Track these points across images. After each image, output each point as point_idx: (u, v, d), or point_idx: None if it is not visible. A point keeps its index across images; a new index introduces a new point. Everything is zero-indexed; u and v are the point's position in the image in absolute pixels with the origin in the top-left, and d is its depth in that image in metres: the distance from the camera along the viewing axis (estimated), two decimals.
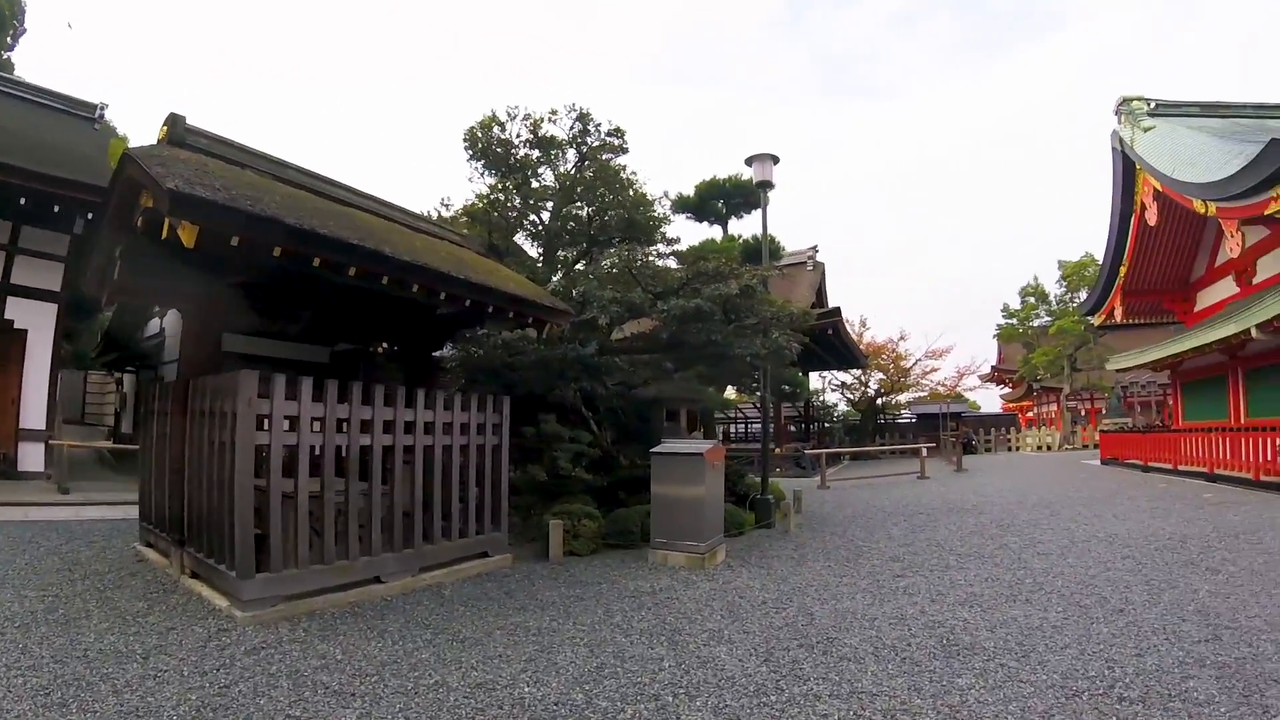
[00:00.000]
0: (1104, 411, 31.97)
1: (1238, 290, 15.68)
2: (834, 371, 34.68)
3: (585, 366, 9.86)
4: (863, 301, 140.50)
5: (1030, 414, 43.98)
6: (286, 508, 5.76)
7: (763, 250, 13.22)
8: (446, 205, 13.81)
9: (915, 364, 35.56)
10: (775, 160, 12.05)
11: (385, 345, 9.86)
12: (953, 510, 12.15)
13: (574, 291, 10.53)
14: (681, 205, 19.01)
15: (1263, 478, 11.66)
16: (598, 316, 9.85)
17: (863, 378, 35.22)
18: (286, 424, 5.84)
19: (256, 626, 5.15)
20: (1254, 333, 11.34)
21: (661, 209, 14.48)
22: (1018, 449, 34.74)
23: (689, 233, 38.40)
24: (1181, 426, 17.32)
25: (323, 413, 6.03)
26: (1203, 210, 13.94)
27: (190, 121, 6.72)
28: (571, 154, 13.38)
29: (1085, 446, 30.84)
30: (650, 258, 12.89)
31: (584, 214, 13.49)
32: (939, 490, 15.96)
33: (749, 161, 12.22)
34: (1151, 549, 7.90)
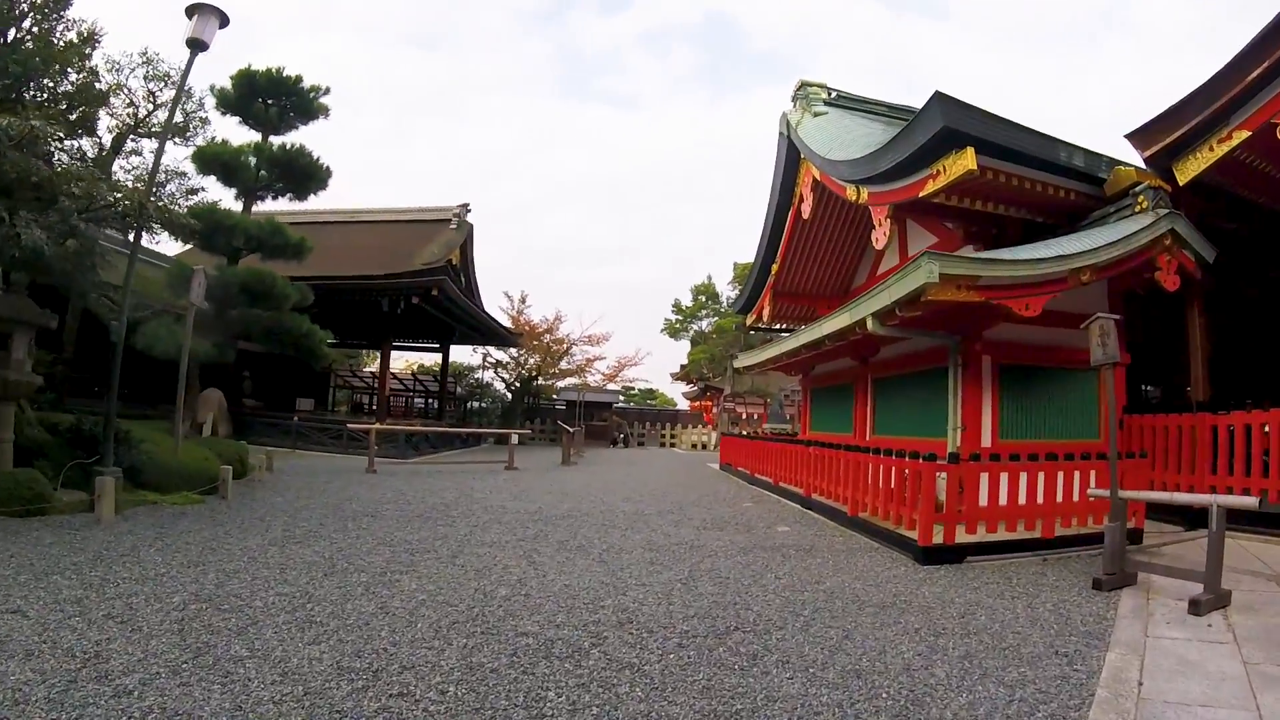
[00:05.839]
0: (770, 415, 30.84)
1: None
2: (491, 348, 30.65)
3: None
4: (561, 295, 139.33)
5: (712, 412, 42.49)
6: None
7: (168, 120, 10.40)
8: None
9: (570, 348, 32.34)
10: (223, 21, 9.06)
11: None
12: (434, 513, 8.86)
13: None
14: (224, 101, 14.32)
15: (860, 515, 8.58)
16: None
17: (520, 358, 31.40)
18: None
19: None
20: (869, 324, 8.28)
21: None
22: (673, 445, 32.73)
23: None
24: (805, 438, 14.79)
25: None
26: (854, 197, 11.11)
27: None
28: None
29: None
30: None
31: None
32: (499, 487, 12.51)
33: (190, 11, 8.93)
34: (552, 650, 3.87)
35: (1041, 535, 7.25)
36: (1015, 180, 8.76)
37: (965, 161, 8.19)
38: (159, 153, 10.07)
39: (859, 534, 8.18)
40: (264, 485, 11.07)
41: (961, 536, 6.95)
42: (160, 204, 10.27)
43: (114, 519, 7.25)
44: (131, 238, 9.41)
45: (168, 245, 17.24)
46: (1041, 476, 7.39)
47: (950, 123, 8.21)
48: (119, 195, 8.56)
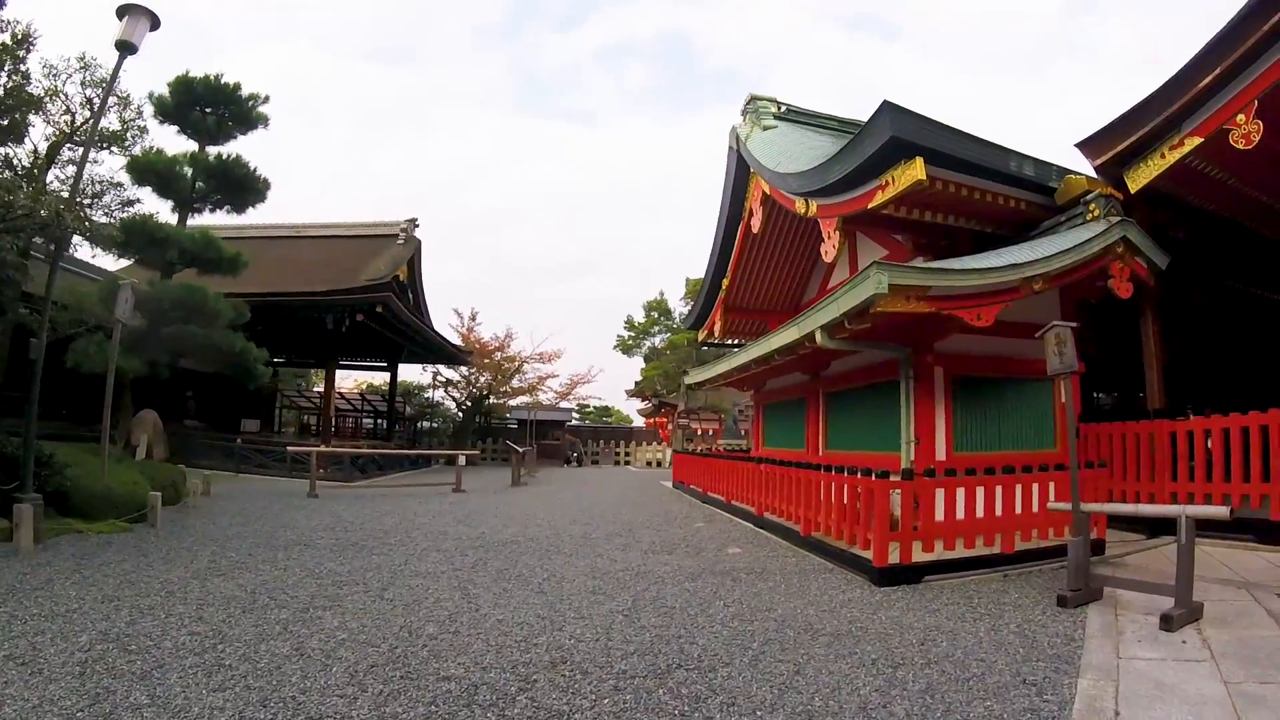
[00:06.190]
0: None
1: None
2: (441, 366, 29.95)
3: None
4: (518, 309, 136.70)
5: (668, 429, 42.00)
6: None
7: (93, 126, 10.02)
8: None
9: (522, 365, 31.67)
10: (154, 23, 8.62)
11: None
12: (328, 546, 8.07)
13: None
14: (162, 109, 13.66)
15: (813, 534, 8.25)
16: None
17: (471, 376, 30.67)
18: None
19: None
20: (818, 338, 7.99)
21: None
22: (627, 463, 32.24)
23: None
24: (757, 455, 14.46)
25: None
26: (803, 210, 10.88)
27: None
28: None
29: None
30: None
31: None
32: (443, 511, 11.92)
33: (121, 12, 8.42)
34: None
35: (1001, 550, 6.94)
36: (965, 190, 8.60)
37: (914, 172, 7.98)
38: (82, 160, 9.47)
39: (813, 554, 7.82)
40: (198, 511, 10.47)
41: (919, 555, 6.63)
42: (80, 214, 9.65)
43: (33, 549, 6.85)
44: (54, 249, 8.78)
45: (108, 261, 16.44)
46: (999, 490, 7.10)
47: (899, 132, 8.00)
48: (37, 205, 7.94)
